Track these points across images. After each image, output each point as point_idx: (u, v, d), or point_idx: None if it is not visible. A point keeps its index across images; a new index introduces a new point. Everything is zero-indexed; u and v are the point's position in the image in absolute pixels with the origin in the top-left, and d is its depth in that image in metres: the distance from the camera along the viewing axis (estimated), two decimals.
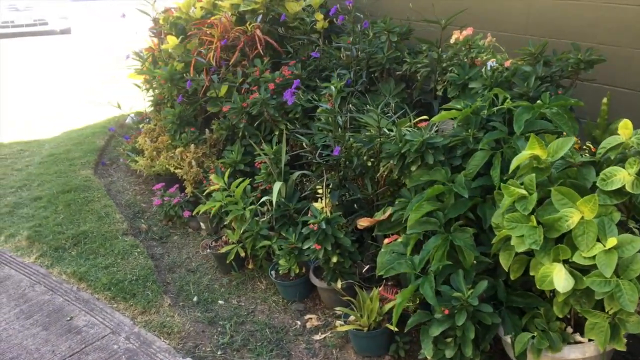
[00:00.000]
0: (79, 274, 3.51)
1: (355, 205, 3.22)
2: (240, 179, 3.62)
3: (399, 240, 2.74)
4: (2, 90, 8.09)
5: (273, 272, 3.36)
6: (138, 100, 7.02)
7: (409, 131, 2.96)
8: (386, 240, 2.83)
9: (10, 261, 3.73)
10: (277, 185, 3.35)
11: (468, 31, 3.37)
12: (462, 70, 3.25)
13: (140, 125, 4.97)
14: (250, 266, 3.60)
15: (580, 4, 3.32)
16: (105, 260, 3.66)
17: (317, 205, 3.31)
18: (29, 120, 6.84)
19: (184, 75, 4.51)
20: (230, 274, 3.60)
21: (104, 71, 9.04)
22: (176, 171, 4.29)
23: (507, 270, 2.30)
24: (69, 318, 3.15)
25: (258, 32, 4.12)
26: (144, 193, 4.80)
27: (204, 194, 4.00)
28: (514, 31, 3.70)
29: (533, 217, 2.11)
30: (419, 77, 3.58)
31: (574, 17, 3.35)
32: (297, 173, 3.52)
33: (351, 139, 3.12)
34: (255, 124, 3.88)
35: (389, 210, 2.88)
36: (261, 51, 4.05)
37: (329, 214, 3.03)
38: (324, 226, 2.84)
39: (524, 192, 2.15)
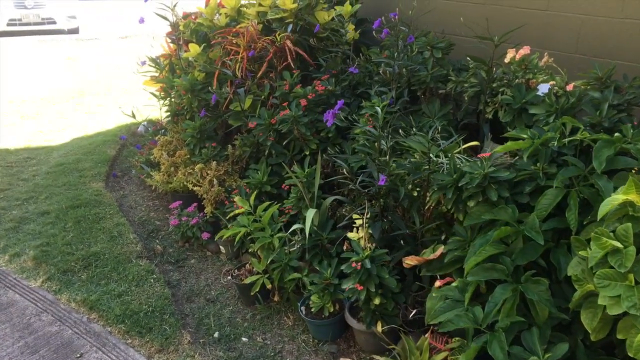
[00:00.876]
0: (89, 303, 3.21)
1: (396, 238, 2.92)
2: (267, 203, 3.33)
3: (454, 284, 2.44)
4: (8, 91, 7.80)
5: (303, 308, 3.06)
6: (150, 107, 6.76)
7: (465, 160, 2.67)
8: (437, 283, 2.53)
9: (15, 284, 3.43)
10: (310, 213, 3.05)
11: (525, 50, 3.07)
12: (519, 92, 2.96)
13: (156, 137, 4.68)
14: (276, 299, 3.29)
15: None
16: (118, 286, 3.36)
17: (353, 235, 3.01)
18: (36, 124, 6.54)
19: (207, 86, 4.23)
20: (254, 306, 3.30)
21: (114, 76, 8.76)
22: (195, 189, 4.00)
23: (588, 330, 2.00)
24: (78, 355, 2.85)
25: (288, 42, 3.83)
26: (158, 210, 4.50)
27: (226, 217, 3.70)
28: (564, 49, 3.42)
29: (631, 276, 1.81)
30: (465, 98, 3.30)
31: (634, 37, 3.06)
32: (330, 198, 3.22)
33: (393, 165, 2.82)
34: (284, 143, 3.59)
35: (440, 249, 2.57)
36: (292, 63, 3.76)
37: (369, 247, 2.73)
38: (368, 265, 2.54)
39: (618, 244, 1.85)
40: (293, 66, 3.78)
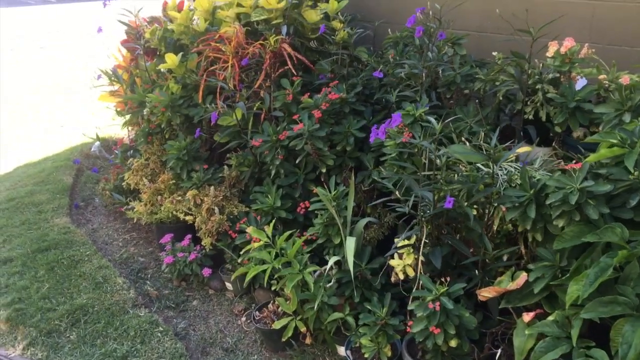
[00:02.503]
0: None
1: (451, 265, 2.56)
2: (287, 233, 2.90)
3: (550, 318, 2.11)
4: None
5: (349, 353, 2.65)
6: (99, 123, 6.14)
7: (549, 175, 2.34)
8: (526, 317, 2.19)
9: None
10: (351, 242, 2.64)
11: (569, 42, 2.78)
12: (569, 89, 2.66)
13: (129, 161, 4.11)
14: (308, 341, 2.86)
15: None
16: (119, 346, 2.83)
17: (396, 263, 2.64)
18: None
19: (187, 100, 3.72)
20: (285, 352, 2.86)
21: (57, 90, 7.96)
22: (186, 218, 3.49)
23: None
24: None
25: (286, 47, 3.38)
26: (138, 243, 3.95)
27: (231, 249, 3.24)
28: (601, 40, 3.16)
29: None
30: (500, 97, 2.98)
31: None
32: (363, 222, 2.83)
33: (449, 185, 2.46)
34: (296, 161, 3.16)
35: (523, 277, 2.24)
36: (293, 70, 3.32)
37: (442, 282, 2.35)
38: (450, 305, 2.16)
39: None
40: (295, 73, 3.34)
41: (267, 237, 2.90)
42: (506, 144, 2.78)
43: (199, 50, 3.67)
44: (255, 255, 2.84)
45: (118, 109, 4.95)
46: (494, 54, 3.09)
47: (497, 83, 2.98)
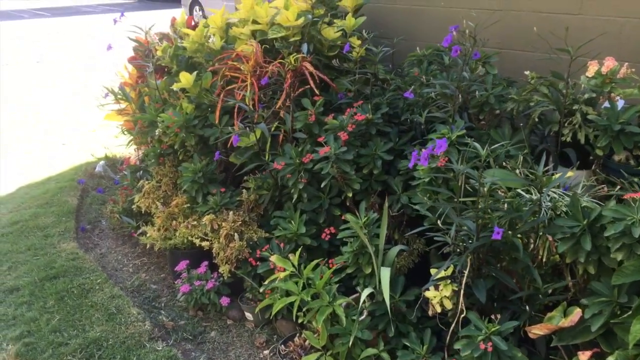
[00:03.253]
0: None
1: (494, 299, 2.42)
2: (315, 262, 2.76)
3: (610, 359, 1.97)
4: None
5: None
6: (101, 141, 6.00)
7: (597, 202, 2.21)
8: (583, 357, 2.05)
9: None
10: (386, 274, 2.50)
11: (610, 61, 2.67)
12: (612, 111, 2.54)
13: (139, 183, 3.95)
14: None
15: None
16: None
17: (432, 294, 2.50)
18: None
19: (202, 120, 3.58)
20: None
21: (59, 106, 7.80)
22: (202, 244, 3.34)
23: None
24: None
25: (308, 65, 3.25)
26: (149, 269, 3.79)
27: (251, 277, 3.09)
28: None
29: None
30: (536, 118, 2.85)
31: None
32: (395, 250, 2.68)
33: (493, 212, 2.32)
34: (321, 185, 3.01)
35: (577, 313, 2.10)
36: (315, 89, 3.19)
37: (492, 319, 2.21)
38: (503, 346, 2.01)
39: None
40: (317, 92, 3.21)
41: (293, 266, 2.76)
42: (545, 168, 2.65)
43: (215, 69, 3.53)
44: (281, 286, 2.69)
45: (125, 128, 4.81)
46: (526, 73, 2.97)
47: (532, 103, 2.86)
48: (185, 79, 3.55)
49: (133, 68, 5.01)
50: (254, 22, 3.80)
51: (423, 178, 2.66)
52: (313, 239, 2.99)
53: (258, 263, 3.07)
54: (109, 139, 6.13)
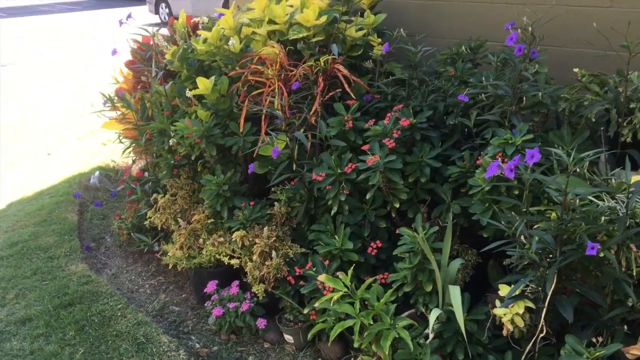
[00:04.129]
0: None
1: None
2: (370, 280, 2.57)
3: None
4: None
5: None
6: (88, 149, 5.71)
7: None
8: None
9: None
10: (456, 292, 2.31)
11: None
12: None
13: (153, 196, 3.69)
14: None
15: None
16: None
17: (501, 311, 2.33)
18: None
19: (222, 129, 3.35)
20: None
21: (47, 114, 7.41)
22: (231, 262, 3.11)
23: None
24: None
25: (340, 67, 3.05)
26: (168, 289, 3.55)
27: (291, 296, 2.88)
28: None
29: None
30: (592, 118, 2.70)
31: None
32: (456, 263, 2.51)
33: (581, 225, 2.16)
34: (363, 195, 2.82)
35: None
36: (351, 93, 2.99)
37: (593, 348, 2.05)
38: None
39: None
40: (353, 96, 3.01)
41: (345, 285, 2.56)
42: (612, 172, 2.50)
43: (237, 74, 3.29)
44: (336, 308, 2.49)
45: (122, 137, 4.54)
46: (575, 70, 2.83)
47: (586, 102, 2.72)
48: (203, 84, 3.30)
49: (128, 72, 4.74)
50: (271, 22, 3.59)
51: (482, 186, 2.50)
52: (359, 254, 2.79)
53: (297, 282, 2.86)
54: (98, 147, 5.85)
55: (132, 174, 4.43)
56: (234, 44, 3.27)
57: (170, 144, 3.54)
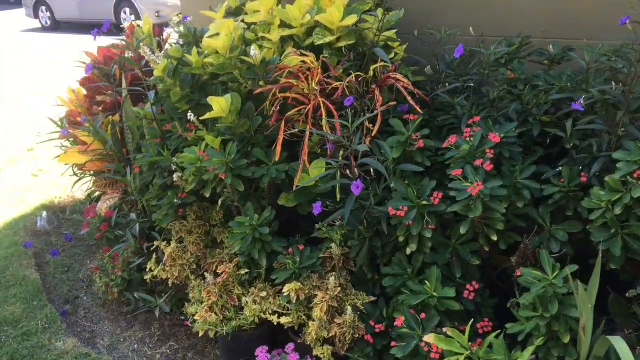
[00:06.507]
0: None
1: None
2: (492, 335, 2.10)
3: None
4: None
5: None
6: (26, 185, 4.87)
7: None
8: None
9: None
10: (621, 345, 1.90)
11: None
12: None
13: (157, 243, 3.01)
14: None
15: None
16: None
17: None
18: None
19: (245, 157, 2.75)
20: None
21: None
22: (282, 320, 2.54)
23: None
24: None
25: (399, 76, 2.56)
26: (187, 357, 2.89)
27: (374, 356, 2.37)
28: None
29: None
30: None
31: None
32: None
33: None
34: (445, 229, 2.35)
35: None
36: (416, 107, 2.50)
37: None
38: None
39: None
40: (420, 110, 2.53)
41: (463, 346, 2.08)
42: None
43: (264, 90, 2.70)
44: None
45: (79, 171, 3.83)
46: None
47: None
48: (219, 105, 2.68)
49: (80, 92, 3.99)
50: (284, 25, 3.03)
51: (603, 208, 2.12)
52: (460, 302, 2.32)
53: (375, 340, 2.35)
54: (28, 179, 5.00)
55: (100, 214, 3.68)
56: (257, 54, 2.67)
57: (175, 179, 2.89)
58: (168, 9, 13.48)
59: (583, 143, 2.40)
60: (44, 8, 15.80)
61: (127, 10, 14.15)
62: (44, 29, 15.75)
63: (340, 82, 2.62)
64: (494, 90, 2.70)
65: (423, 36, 3.18)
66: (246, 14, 3.54)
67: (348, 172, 2.44)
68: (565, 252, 2.33)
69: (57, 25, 15.77)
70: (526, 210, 2.40)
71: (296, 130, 2.60)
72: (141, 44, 2.95)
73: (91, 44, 3.68)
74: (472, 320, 2.28)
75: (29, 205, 4.60)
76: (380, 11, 2.81)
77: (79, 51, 4.12)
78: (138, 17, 13.66)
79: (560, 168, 2.38)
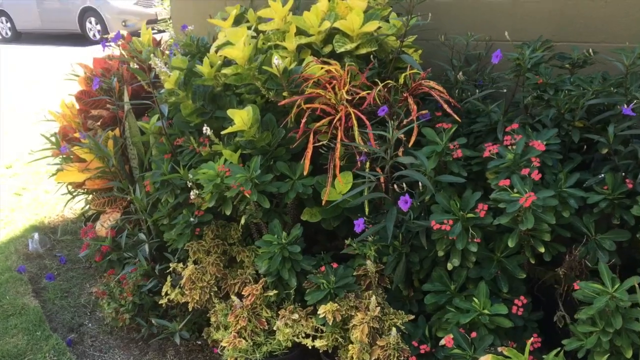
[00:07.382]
0: None
1: None
2: (553, 353, 2.00)
3: None
4: None
5: None
6: (12, 205, 4.65)
7: None
8: None
9: None
10: None
11: None
12: None
13: (172, 265, 2.84)
14: None
15: None
16: None
17: None
18: None
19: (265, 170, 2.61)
20: None
21: None
22: (316, 344, 2.40)
23: None
24: None
25: (432, 84, 2.45)
26: None
27: None
28: None
29: None
30: None
31: None
32: None
33: None
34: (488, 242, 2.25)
35: None
36: (454, 115, 2.40)
37: None
38: None
39: None
40: (459, 120, 2.42)
41: None
42: None
43: (291, 102, 2.57)
44: None
45: (73, 189, 3.65)
46: None
47: None
48: (240, 117, 2.54)
49: (73, 106, 3.81)
50: (301, 32, 2.91)
51: None
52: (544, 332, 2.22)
53: None
54: (10, 198, 4.77)
55: (98, 234, 3.49)
56: (280, 63, 2.53)
57: (192, 197, 2.73)
58: (135, 18, 13.16)
59: (624, 149, 2.33)
60: (3, 19, 15.22)
61: (93, 19, 13.62)
62: (4, 40, 15.20)
63: (367, 91, 2.51)
64: (527, 96, 2.62)
65: (435, 41, 3.11)
66: (247, 21, 3.42)
67: (382, 185, 2.32)
68: (613, 261, 2.24)
69: (18, 36, 15.19)
70: (570, 220, 2.32)
71: (324, 141, 2.47)
72: (152, 55, 2.77)
73: (54, 56, 3.50)
74: (523, 336, 2.18)
75: (18, 227, 4.36)
76: (404, 18, 2.70)
77: (60, 63, 3.92)
78: (104, 27, 13.29)
79: (603, 175, 2.30)
